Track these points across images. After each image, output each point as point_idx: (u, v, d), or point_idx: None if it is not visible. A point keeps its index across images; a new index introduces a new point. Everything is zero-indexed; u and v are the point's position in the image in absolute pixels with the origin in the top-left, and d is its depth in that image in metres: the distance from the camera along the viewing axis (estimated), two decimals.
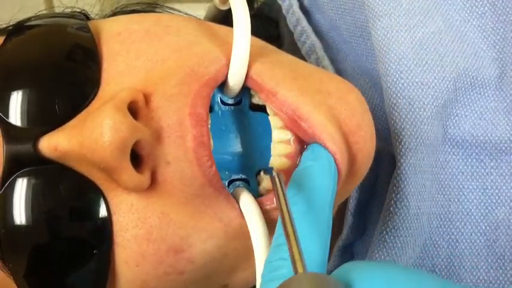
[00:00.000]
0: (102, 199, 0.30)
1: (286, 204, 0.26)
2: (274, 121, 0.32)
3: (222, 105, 0.34)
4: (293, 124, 0.32)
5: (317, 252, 0.26)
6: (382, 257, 0.36)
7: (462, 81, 0.38)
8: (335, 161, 0.31)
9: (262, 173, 0.33)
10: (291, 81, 0.32)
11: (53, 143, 0.29)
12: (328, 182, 0.29)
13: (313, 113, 0.31)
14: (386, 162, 0.39)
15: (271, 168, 0.30)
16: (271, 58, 0.34)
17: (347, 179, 0.33)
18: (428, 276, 0.20)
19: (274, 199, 0.27)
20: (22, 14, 0.39)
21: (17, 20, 0.37)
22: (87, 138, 0.28)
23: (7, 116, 0.31)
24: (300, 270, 0.22)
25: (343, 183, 0.32)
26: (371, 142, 0.33)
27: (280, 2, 0.47)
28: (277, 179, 0.28)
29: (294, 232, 0.24)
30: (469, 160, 0.38)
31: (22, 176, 0.30)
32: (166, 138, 0.30)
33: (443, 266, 0.38)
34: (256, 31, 0.33)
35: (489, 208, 0.38)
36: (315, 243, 0.26)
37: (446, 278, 0.38)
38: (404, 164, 0.36)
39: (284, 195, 0.26)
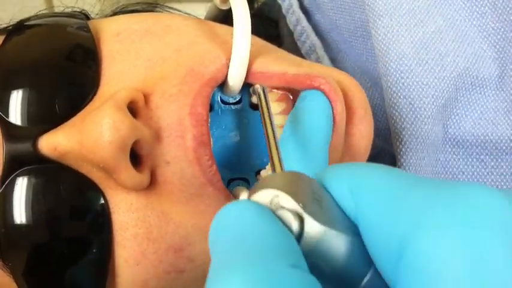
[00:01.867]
0: (101, 198, 0.30)
1: (269, 112, 0.28)
2: (274, 120, 0.32)
3: (222, 105, 0.34)
4: (307, 83, 0.31)
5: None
6: None
7: (463, 81, 0.38)
8: (333, 110, 0.31)
9: (262, 171, 0.33)
10: (297, 67, 0.32)
11: (53, 143, 0.30)
12: (325, 120, 0.30)
13: (329, 77, 0.32)
14: (387, 162, 0.39)
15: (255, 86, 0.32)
16: (272, 55, 0.34)
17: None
18: (397, 171, 0.20)
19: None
20: (22, 14, 0.39)
21: (17, 19, 0.37)
22: (86, 137, 0.28)
23: (7, 115, 0.31)
24: (277, 170, 0.23)
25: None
26: (368, 139, 0.33)
27: (280, 2, 0.47)
28: (261, 93, 0.30)
29: (274, 137, 0.25)
30: (470, 160, 0.38)
31: (22, 175, 0.30)
32: (166, 138, 0.30)
33: None
34: (256, 31, 0.33)
35: None
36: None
37: None
38: (404, 164, 0.36)
39: (268, 105, 0.28)
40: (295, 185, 0.20)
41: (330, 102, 0.31)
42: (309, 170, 0.27)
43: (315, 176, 0.22)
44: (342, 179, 0.21)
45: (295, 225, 0.19)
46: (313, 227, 0.19)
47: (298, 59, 0.35)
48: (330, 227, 0.19)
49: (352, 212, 0.20)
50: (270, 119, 0.27)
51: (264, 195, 0.20)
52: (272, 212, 0.20)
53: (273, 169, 0.24)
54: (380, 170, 0.20)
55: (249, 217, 0.19)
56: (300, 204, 0.19)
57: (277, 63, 0.32)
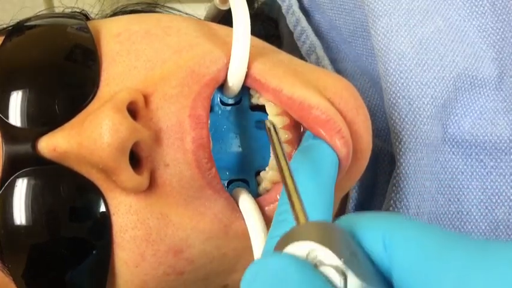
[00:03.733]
0: (101, 200, 0.30)
1: (283, 154, 0.25)
2: (273, 121, 0.32)
3: (222, 106, 0.34)
4: (302, 115, 0.31)
5: (321, 203, 0.25)
6: None
7: (462, 81, 0.38)
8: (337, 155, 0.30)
9: (262, 172, 0.33)
10: (293, 77, 0.32)
11: (52, 144, 0.30)
12: (331, 156, 0.30)
13: (322, 102, 0.31)
14: (386, 162, 0.39)
15: (265, 121, 0.30)
16: (271, 58, 0.34)
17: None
18: (436, 228, 0.20)
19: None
20: (22, 14, 0.39)
21: (17, 20, 0.37)
22: (86, 139, 0.28)
23: (6, 116, 0.31)
24: (302, 220, 0.22)
25: (341, 176, 0.32)
26: (366, 136, 0.33)
27: (280, 2, 0.47)
28: (272, 129, 0.27)
29: (294, 183, 0.24)
30: (469, 160, 0.38)
31: (21, 176, 0.30)
32: (165, 140, 0.30)
33: None
34: (256, 31, 0.33)
35: (489, 208, 0.38)
36: (318, 197, 0.26)
37: None
38: (404, 164, 0.36)
39: (281, 144, 0.26)
40: (333, 238, 0.19)
41: (332, 147, 0.30)
42: (319, 205, 0.26)
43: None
44: (376, 231, 0.20)
45: (341, 283, 0.18)
46: (355, 284, 0.18)
47: (296, 61, 0.35)
48: (368, 283, 0.18)
49: (385, 266, 0.20)
50: (286, 160, 0.25)
51: (300, 248, 0.19)
52: (314, 269, 0.19)
53: (296, 218, 0.22)
54: (416, 225, 0.20)
55: (294, 275, 0.18)
56: (342, 259, 0.19)
57: (275, 73, 0.32)
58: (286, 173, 0.24)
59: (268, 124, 0.28)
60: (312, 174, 0.27)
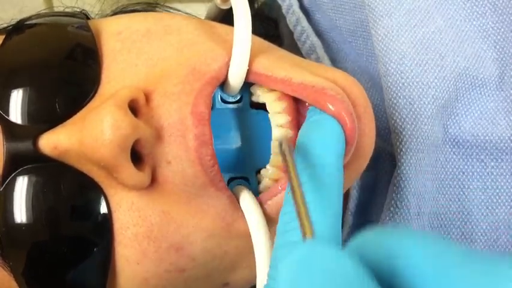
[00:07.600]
0: (102, 197, 0.30)
1: (297, 180, 0.25)
2: (274, 119, 0.32)
3: (223, 103, 0.34)
4: (316, 96, 0.31)
5: (326, 226, 0.25)
6: None
7: (462, 81, 0.38)
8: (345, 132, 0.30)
9: (263, 170, 0.33)
10: (300, 69, 0.32)
11: (53, 141, 0.29)
12: (338, 131, 0.29)
13: (335, 86, 0.31)
14: (387, 162, 0.39)
15: (281, 142, 0.29)
16: (274, 54, 0.34)
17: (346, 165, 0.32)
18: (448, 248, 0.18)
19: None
20: (22, 14, 0.39)
21: (17, 20, 0.37)
22: (87, 135, 0.28)
23: (7, 113, 0.31)
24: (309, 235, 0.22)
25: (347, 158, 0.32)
26: (370, 136, 0.33)
27: (280, 2, 0.47)
28: (287, 150, 0.27)
29: (304, 204, 0.23)
30: (470, 160, 0.38)
31: (22, 173, 0.30)
32: (167, 137, 0.30)
33: None
34: (256, 31, 0.33)
35: (490, 208, 0.38)
36: (324, 218, 0.25)
37: None
38: (404, 164, 0.36)
39: (295, 171, 0.25)
40: None
41: (341, 125, 0.30)
42: (323, 202, 0.26)
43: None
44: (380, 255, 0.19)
45: None
46: None
47: (298, 58, 0.35)
48: None
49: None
50: (299, 185, 0.24)
51: None
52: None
53: (304, 234, 0.22)
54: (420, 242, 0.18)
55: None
56: None
57: (280, 66, 0.32)
58: (298, 195, 0.24)
59: (284, 145, 0.27)
60: (314, 186, 0.27)
